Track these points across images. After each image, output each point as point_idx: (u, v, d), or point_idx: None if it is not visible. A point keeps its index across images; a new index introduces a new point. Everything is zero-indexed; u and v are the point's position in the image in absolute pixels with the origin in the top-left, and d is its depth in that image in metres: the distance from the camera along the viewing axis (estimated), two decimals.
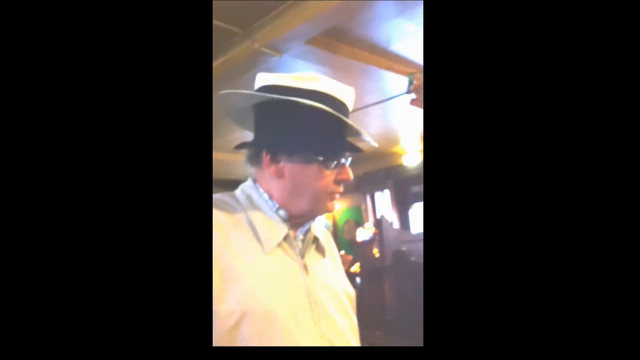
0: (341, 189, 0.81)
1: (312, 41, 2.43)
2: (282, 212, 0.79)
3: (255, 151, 0.81)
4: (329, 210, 0.82)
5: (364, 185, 6.14)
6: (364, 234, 5.49)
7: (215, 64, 2.60)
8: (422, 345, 0.57)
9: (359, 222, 6.10)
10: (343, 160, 0.80)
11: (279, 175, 0.78)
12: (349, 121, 0.77)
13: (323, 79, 0.79)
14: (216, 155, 4.52)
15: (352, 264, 5.36)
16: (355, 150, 0.80)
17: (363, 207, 6.24)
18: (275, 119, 0.78)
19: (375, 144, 0.84)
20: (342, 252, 5.82)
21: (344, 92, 0.80)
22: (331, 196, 0.80)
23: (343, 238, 6.35)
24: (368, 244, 5.31)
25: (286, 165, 0.78)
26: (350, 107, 0.82)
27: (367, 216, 6.14)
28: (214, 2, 2.04)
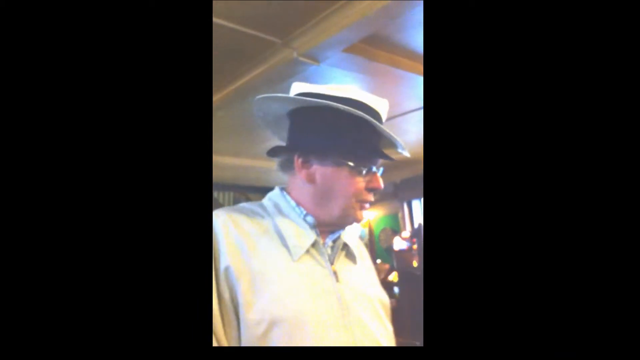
0: (372, 197, 0.81)
1: (350, 49, 2.44)
2: (309, 219, 0.80)
3: (287, 156, 0.82)
4: (358, 220, 0.81)
5: (401, 193, 6.06)
6: (401, 242, 5.41)
7: (254, 73, 2.65)
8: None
9: (396, 230, 6.02)
10: (374, 168, 0.80)
11: (310, 179, 0.79)
12: (382, 126, 0.77)
13: (357, 90, 0.80)
14: (254, 163, 4.59)
15: (389, 272, 5.29)
16: (386, 157, 0.80)
17: (400, 215, 6.16)
18: (309, 124, 0.79)
19: (408, 155, 0.84)
20: (379, 260, 5.75)
21: (378, 103, 0.81)
22: (361, 204, 0.81)
23: (380, 246, 6.29)
24: (406, 252, 5.23)
25: (318, 169, 0.79)
26: (384, 118, 0.83)
27: (404, 224, 6.05)
28: (252, 12, 2.09)
